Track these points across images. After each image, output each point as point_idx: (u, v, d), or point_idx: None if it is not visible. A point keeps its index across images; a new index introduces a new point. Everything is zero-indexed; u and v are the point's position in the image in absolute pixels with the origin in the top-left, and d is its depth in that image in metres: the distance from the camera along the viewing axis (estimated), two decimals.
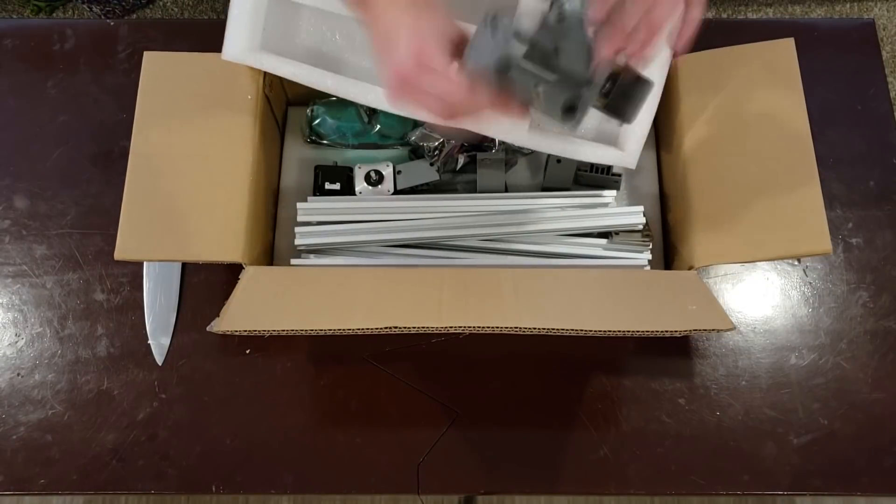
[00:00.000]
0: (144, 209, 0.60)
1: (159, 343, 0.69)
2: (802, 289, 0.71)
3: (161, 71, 0.64)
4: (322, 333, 0.53)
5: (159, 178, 0.61)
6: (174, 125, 0.62)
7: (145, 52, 0.64)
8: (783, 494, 0.64)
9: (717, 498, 0.85)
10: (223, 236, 0.60)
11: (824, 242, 0.57)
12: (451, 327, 0.51)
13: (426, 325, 0.51)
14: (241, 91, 0.64)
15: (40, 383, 0.68)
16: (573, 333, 0.52)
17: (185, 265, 0.71)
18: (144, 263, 0.71)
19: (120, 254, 0.59)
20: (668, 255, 0.70)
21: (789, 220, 0.58)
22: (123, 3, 1.48)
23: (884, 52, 0.98)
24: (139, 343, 0.69)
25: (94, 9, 1.47)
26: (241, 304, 0.56)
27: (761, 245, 0.58)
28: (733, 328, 0.52)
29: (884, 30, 1.50)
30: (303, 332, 0.52)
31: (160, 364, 0.68)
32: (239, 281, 0.59)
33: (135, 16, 1.52)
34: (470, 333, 0.68)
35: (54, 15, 1.52)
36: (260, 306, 0.57)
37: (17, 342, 0.69)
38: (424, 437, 0.66)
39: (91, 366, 0.68)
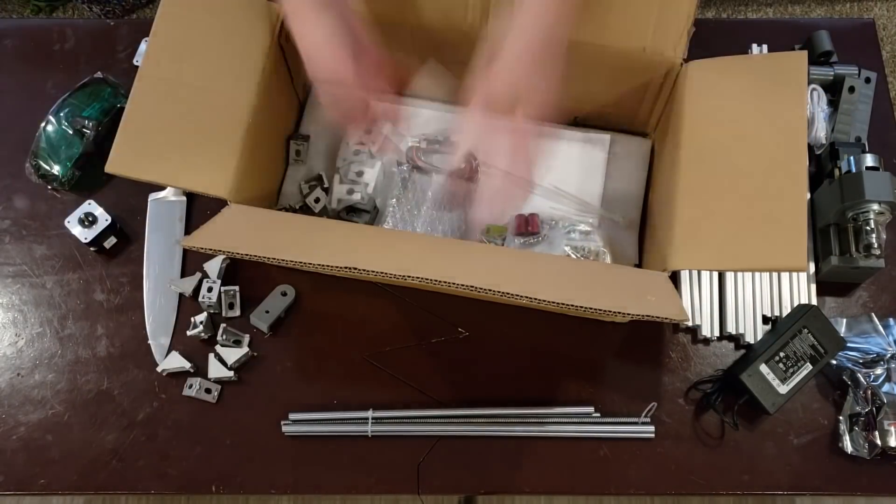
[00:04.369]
0: (143, 130, 0.61)
1: (159, 343, 0.69)
2: None
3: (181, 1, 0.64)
4: (283, 264, 0.54)
5: (163, 102, 0.61)
6: (186, 55, 0.63)
7: None
8: (783, 494, 0.64)
9: (717, 498, 0.85)
10: (213, 170, 0.61)
11: (800, 259, 0.55)
12: (411, 276, 0.51)
13: (386, 272, 0.52)
14: (256, 35, 0.64)
15: (40, 383, 0.68)
16: (528, 303, 0.52)
17: (184, 267, 0.71)
18: (144, 264, 0.71)
19: (111, 167, 0.59)
20: (643, 254, 0.70)
21: (769, 234, 0.57)
22: (123, 3, 1.48)
23: (884, 52, 0.98)
24: (139, 343, 0.69)
25: (94, 9, 1.47)
26: (214, 228, 0.58)
27: (736, 256, 0.57)
28: (686, 319, 0.52)
29: (884, 30, 1.50)
30: (265, 259, 0.53)
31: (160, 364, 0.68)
32: (219, 213, 0.60)
33: (135, 16, 1.52)
34: (468, 334, 0.68)
35: (54, 15, 1.52)
36: (232, 233, 0.58)
37: (17, 342, 0.69)
38: (424, 437, 0.66)
39: (91, 366, 0.68)
